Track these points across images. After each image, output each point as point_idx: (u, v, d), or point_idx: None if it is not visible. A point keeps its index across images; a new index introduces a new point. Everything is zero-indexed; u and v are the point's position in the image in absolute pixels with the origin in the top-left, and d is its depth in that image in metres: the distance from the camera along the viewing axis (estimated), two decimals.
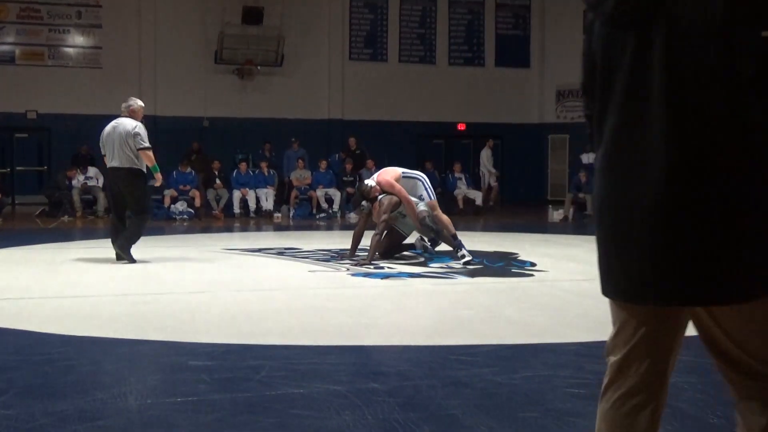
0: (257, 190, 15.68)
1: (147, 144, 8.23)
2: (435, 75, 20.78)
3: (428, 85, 20.62)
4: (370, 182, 8.42)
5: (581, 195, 15.83)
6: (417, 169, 9.81)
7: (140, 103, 8.61)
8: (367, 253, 8.06)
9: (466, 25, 21.19)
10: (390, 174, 8.43)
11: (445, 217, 8.40)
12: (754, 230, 1.70)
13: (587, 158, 17.35)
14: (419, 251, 8.78)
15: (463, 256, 8.03)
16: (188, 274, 7.36)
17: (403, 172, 8.56)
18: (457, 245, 8.13)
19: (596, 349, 4.44)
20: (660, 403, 1.96)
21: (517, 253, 9.12)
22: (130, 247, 8.17)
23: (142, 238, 8.31)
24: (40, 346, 4.46)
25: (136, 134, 8.21)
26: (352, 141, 17.54)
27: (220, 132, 18.91)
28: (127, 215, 8.27)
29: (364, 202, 8.41)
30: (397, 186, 8.26)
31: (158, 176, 8.34)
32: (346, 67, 20.22)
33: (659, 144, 1.73)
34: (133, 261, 8.03)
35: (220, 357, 4.18)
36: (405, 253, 8.72)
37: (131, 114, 8.44)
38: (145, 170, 8.29)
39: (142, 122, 8.51)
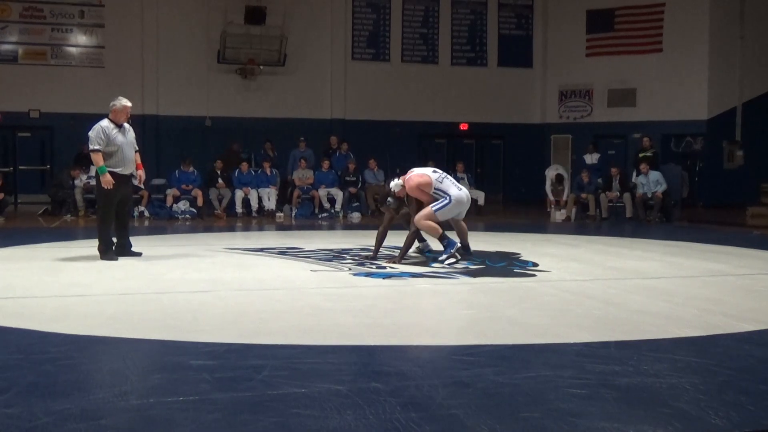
0: (259, 190, 15.69)
1: (93, 146, 8.26)
2: (437, 75, 20.79)
3: (431, 85, 20.63)
4: (398, 182, 8.46)
5: (584, 195, 15.81)
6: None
7: (123, 102, 8.49)
8: (392, 252, 8.40)
9: (469, 25, 21.19)
10: (418, 180, 8.31)
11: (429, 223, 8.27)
12: None
13: (590, 158, 17.31)
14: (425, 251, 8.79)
15: (443, 261, 8.05)
16: (190, 274, 7.35)
17: (435, 189, 8.27)
18: (444, 244, 8.18)
19: (598, 349, 4.45)
20: None
21: (519, 253, 9.11)
22: (102, 249, 8.31)
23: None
24: (42, 345, 4.46)
25: (88, 137, 8.32)
26: (333, 140, 17.55)
27: (223, 131, 18.92)
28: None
29: (389, 198, 8.50)
30: (424, 196, 8.27)
31: (104, 178, 8.24)
32: (349, 66, 20.23)
33: None
34: (108, 259, 8.17)
35: (222, 356, 4.18)
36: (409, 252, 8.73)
37: (112, 114, 8.46)
38: (107, 169, 8.30)
39: (129, 122, 8.52)
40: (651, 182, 15.19)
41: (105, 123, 8.37)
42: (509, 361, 4.19)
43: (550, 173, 16.69)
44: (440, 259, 8.08)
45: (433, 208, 8.18)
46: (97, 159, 8.25)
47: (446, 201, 8.21)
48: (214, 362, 4.05)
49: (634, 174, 15.79)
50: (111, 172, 8.30)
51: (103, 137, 8.25)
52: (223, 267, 7.88)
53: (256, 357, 4.17)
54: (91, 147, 8.28)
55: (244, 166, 16.04)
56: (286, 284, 6.86)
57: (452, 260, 8.01)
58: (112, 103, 8.50)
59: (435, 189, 8.28)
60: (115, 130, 8.34)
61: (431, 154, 19.25)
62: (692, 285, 6.98)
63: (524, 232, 12.55)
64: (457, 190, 8.35)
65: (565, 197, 16.07)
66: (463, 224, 8.67)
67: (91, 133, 8.31)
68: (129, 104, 8.56)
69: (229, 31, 18.54)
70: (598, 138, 19.87)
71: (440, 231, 8.19)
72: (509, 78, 21.31)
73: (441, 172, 8.58)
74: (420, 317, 5.62)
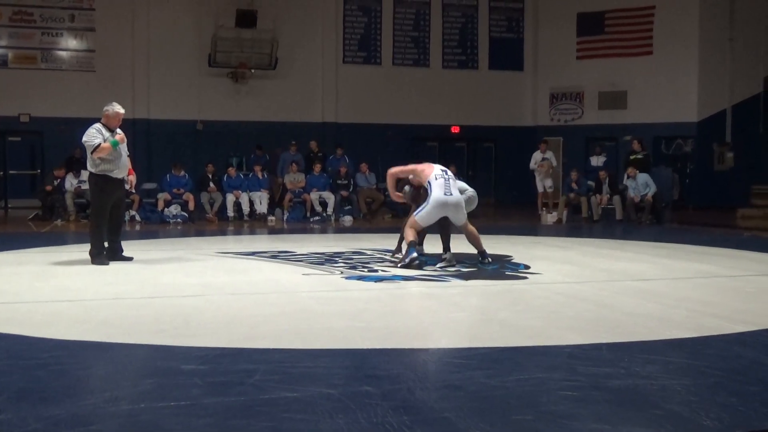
0: (251, 193, 15.67)
1: (95, 141, 8.18)
2: (429, 78, 20.82)
3: (422, 88, 20.66)
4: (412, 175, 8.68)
5: (572, 196, 15.87)
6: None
7: (116, 108, 8.45)
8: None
9: (460, 28, 21.23)
10: (422, 176, 8.40)
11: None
12: None
13: (596, 161, 17.36)
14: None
15: (399, 263, 8.12)
16: (181, 278, 7.34)
17: (427, 183, 8.30)
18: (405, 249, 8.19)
19: (590, 351, 4.45)
20: None
21: (511, 256, 9.12)
22: (94, 253, 8.26)
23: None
24: (33, 350, 4.44)
25: (84, 142, 8.28)
26: (313, 144, 17.59)
27: (214, 135, 18.91)
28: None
29: (406, 187, 8.75)
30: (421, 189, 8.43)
31: (107, 146, 8.21)
32: (340, 70, 20.24)
33: None
34: (99, 264, 8.12)
35: (213, 361, 4.17)
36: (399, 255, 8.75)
37: (104, 119, 8.42)
38: (98, 173, 8.27)
39: (119, 128, 8.47)
40: (639, 185, 15.25)
41: (98, 126, 8.35)
42: (501, 363, 4.19)
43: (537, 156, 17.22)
44: (400, 261, 8.08)
45: (415, 215, 8.20)
46: (104, 147, 8.17)
47: (426, 203, 8.18)
48: (205, 367, 4.04)
49: (625, 177, 15.84)
50: (105, 176, 8.27)
51: (101, 135, 8.24)
52: (215, 271, 7.86)
53: (247, 361, 4.16)
54: (93, 142, 8.17)
55: (231, 171, 16.03)
56: (278, 288, 6.85)
57: (406, 263, 7.93)
58: (105, 108, 8.47)
59: (427, 182, 8.25)
60: (109, 134, 8.31)
61: (423, 157, 19.21)
62: (683, 287, 7.00)
63: (516, 234, 12.57)
64: (439, 191, 8.11)
65: (551, 188, 16.49)
66: (471, 230, 8.39)
67: (85, 137, 8.24)
68: (122, 111, 8.52)
69: (220, 35, 18.53)
70: (589, 140, 19.95)
71: (410, 238, 8.07)
72: (500, 81, 21.36)
73: (446, 173, 8.31)
74: (412, 320, 5.62)
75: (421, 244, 8.80)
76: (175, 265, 8.30)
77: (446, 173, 8.35)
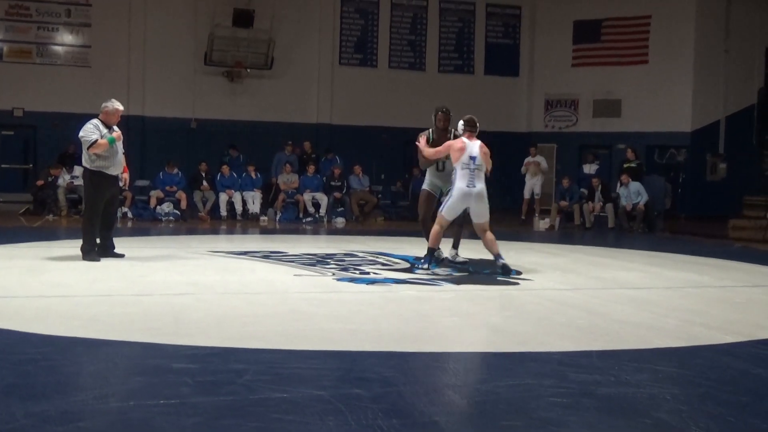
0: (244, 193, 15.65)
1: (92, 138, 8.15)
2: (424, 82, 20.81)
3: (417, 91, 20.63)
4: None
5: (563, 203, 15.90)
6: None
7: (116, 105, 8.44)
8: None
9: (456, 32, 21.25)
10: (455, 158, 8.17)
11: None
12: None
13: (589, 168, 17.40)
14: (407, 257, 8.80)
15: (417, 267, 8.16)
16: (173, 276, 7.32)
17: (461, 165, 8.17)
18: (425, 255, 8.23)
19: (580, 358, 4.46)
20: None
21: None
22: (86, 249, 8.23)
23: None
24: (22, 345, 4.42)
25: (81, 137, 8.25)
26: (307, 145, 17.57)
27: (208, 134, 18.87)
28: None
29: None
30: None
31: (104, 143, 8.18)
32: (336, 71, 20.22)
33: None
34: (90, 260, 8.09)
35: (204, 360, 4.16)
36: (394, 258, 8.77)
37: (102, 115, 8.40)
38: (93, 169, 8.24)
39: (117, 125, 8.46)
40: (632, 193, 15.30)
41: (95, 122, 8.32)
42: (491, 368, 4.20)
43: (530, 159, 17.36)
44: (417, 265, 8.17)
45: (441, 211, 8.12)
46: (101, 144, 8.14)
47: (449, 196, 8.07)
48: (195, 366, 4.03)
49: (618, 184, 15.88)
50: (100, 173, 8.24)
51: (98, 131, 8.20)
52: (206, 270, 7.85)
53: (238, 361, 4.15)
54: (90, 138, 8.13)
55: (225, 169, 16.00)
56: (270, 288, 6.84)
57: (421, 271, 7.98)
58: (104, 105, 8.44)
59: (453, 168, 8.11)
60: (106, 131, 8.29)
61: (417, 161, 19.19)
62: (674, 296, 7.03)
63: (508, 240, 12.55)
64: (462, 183, 7.94)
65: (538, 195, 16.69)
66: (490, 236, 8.08)
67: (82, 132, 8.19)
68: (121, 108, 8.51)
69: (217, 34, 18.50)
70: (582, 148, 19.99)
71: (433, 243, 8.11)
72: (495, 86, 21.37)
73: (473, 162, 8.01)
74: (403, 324, 5.61)
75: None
76: (166, 263, 8.28)
77: (473, 161, 8.03)
